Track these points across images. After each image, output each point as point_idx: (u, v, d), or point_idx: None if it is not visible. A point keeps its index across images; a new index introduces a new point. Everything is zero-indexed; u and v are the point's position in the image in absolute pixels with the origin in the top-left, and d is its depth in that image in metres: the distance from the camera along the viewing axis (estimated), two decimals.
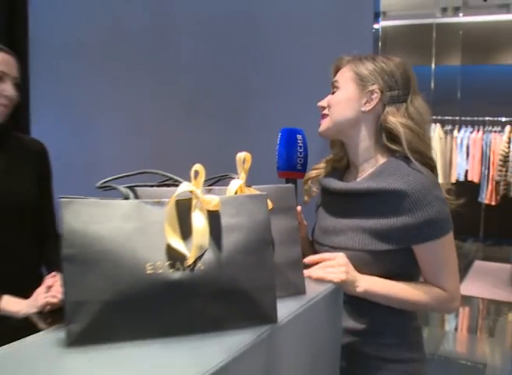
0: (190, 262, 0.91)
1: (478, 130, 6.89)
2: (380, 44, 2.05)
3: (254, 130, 2.25)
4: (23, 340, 0.88)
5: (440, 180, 5.72)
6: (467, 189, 6.85)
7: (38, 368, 0.79)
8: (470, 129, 6.95)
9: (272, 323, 0.97)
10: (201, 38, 2.49)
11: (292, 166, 1.38)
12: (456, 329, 4.82)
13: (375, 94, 1.32)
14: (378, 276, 1.29)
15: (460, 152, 6.93)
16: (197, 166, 0.98)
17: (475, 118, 6.91)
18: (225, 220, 0.97)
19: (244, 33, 2.34)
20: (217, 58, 2.47)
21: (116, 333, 0.88)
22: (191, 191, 0.96)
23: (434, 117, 6.96)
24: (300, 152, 1.38)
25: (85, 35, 2.76)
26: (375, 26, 1.96)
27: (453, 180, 6.89)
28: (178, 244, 0.92)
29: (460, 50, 6.25)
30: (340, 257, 1.26)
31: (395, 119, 1.30)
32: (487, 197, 6.76)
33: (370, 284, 1.27)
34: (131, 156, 2.66)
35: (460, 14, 5.98)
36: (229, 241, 0.95)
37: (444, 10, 6.01)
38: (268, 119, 2.22)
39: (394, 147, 1.31)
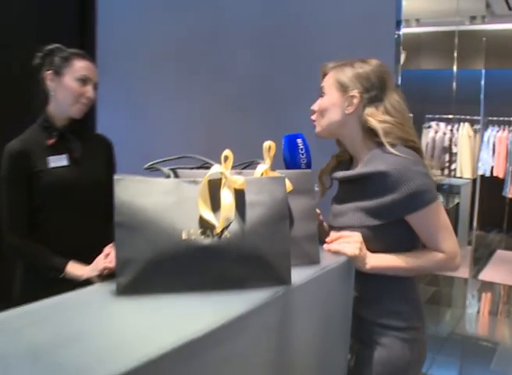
0: (218, 230, 1.00)
1: (504, 130, 6.74)
2: (402, 48, 2.07)
3: (289, 125, 2.31)
4: (82, 289, 0.99)
5: (469, 175, 5.65)
6: (492, 184, 6.75)
7: (93, 308, 0.90)
8: (496, 128, 6.81)
9: (286, 285, 1.04)
10: (247, 46, 2.57)
11: (297, 166, 1.43)
12: (478, 312, 4.76)
13: (355, 98, 1.38)
14: (380, 249, 1.35)
15: (487, 149, 6.79)
16: (227, 152, 1.07)
17: (501, 118, 6.76)
18: (249, 197, 1.05)
19: (281, 42, 2.41)
20: (260, 63, 2.55)
21: (156, 286, 0.97)
22: (221, 172, 1.04)
23: (463, 117, 6.86)
24: (302, 154, 1.43)
25: (146, 39, 2.87)
26: (397, 32, 1.99)
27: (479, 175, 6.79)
28: (209, 215, 1.00)
29: (483, 55, 6.14)
30: (356, 235, 1.32)
31: (372, 118, 1.36)
32: (511, 191, 6.61)
33: (376, 261, 1.33)
34: (184, 145, 2.75)
35: (486, 21, 5.89)
36: (251, 215, 1.03)
37: (473, 18, 5.93)
38: (298, 117, 2.27)
39: (378, 139, 1.36)
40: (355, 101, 1.38)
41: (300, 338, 1.13)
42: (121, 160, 1.97)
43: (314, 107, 1.46)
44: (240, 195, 1.04)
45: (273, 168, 1.24)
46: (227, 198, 1.02)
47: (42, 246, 1.67)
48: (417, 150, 1.38)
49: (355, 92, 1.38)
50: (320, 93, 1.46)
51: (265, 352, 1.00)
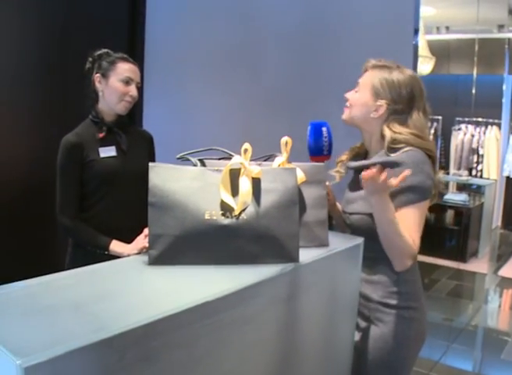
0: (236, 212, 1.08)
1: None
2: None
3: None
4: (118, 259, 1.09)
5: (495, 176, 5.57)
6: None
7: (126, 274, 1.00)
8: None
9: (294, 262, 1.11)
10: (279, 50, 2.64)
11: (319, 152, 1.48)
12: (495, 305, 4.70)
13: (382, 108, 1.43)
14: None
15: None
16: (246, 145, 1.15)
17: None
18: (264, 185, 1.13)
19: (308, 47, 2.47)
20: (289, 66, 2.61)
21: (181, 258, 1.06)
22: (241, 163, 1.12)
23: (491, 120, 6.75)
24: (326, 141, 1.47)
25: (188, 42, 2.97)
26: (415, 40, 2.03)
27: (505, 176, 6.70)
28: (229, 199, 1.09)
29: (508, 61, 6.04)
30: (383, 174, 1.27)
31: (388, 130, 1.41)
32: None
33: (382, 203, 1.29)
34: (221, 139, 2.83)
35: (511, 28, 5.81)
36: (266, 200, 1.11)
37: (501, 27, 5.85)
38: (322, 115, 2.33)
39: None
40: (381, 110, 1.43)
41: (308, 311, 1.20)
42: (163, 152, 2.06)
43: (348, 96, 1.50)
44: (256, 183, 1.12)
45: (289, 160, 1.31)
46: (245, 185, 1.10)
47: (90, 226, 1.78)
48: (432, 158, 1.41)
49: (383, 102, 1.42)
50: (355, 85, 1.49)
51: (274, 321, 1.08)
